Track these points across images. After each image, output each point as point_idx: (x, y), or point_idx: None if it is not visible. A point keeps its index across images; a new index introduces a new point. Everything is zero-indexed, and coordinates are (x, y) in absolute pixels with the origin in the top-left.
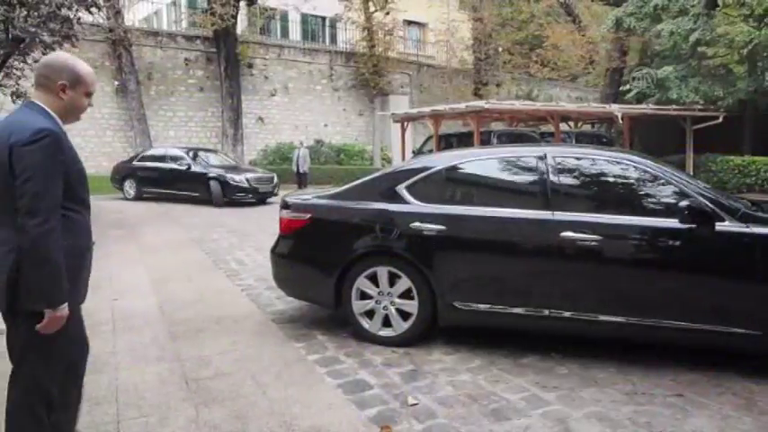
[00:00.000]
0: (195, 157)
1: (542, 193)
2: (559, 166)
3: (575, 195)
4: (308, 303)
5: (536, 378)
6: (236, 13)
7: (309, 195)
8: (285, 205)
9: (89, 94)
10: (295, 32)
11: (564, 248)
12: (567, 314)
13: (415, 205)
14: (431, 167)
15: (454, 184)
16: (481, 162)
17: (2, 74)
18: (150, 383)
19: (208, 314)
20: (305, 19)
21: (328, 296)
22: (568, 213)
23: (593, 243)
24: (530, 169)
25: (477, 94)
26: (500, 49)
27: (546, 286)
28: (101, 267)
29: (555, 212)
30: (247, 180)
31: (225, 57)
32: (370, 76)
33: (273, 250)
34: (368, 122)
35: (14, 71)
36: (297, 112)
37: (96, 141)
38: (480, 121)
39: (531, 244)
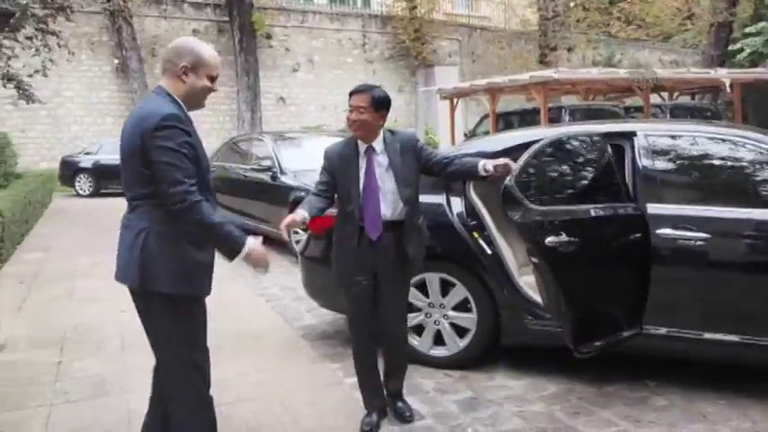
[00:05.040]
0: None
1: (629, 181)
2: (653, 147)
3: (672, 183)
4: (344, 316)
5: (626, 410)
6: None
7: None
8: None
9: (212, 78)
10: None
11: (659, 249)
12: (662, 331)
13: (472, 198)
14: (488, 152)
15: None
16: (552, 144)
17: None
18: None
19: (226, 329)
20: None
21: None
22: (665, 206)
23: (698, 243)
24: (614, 152)
25: (543, 62)
26: (572, 5)
27: (637, 297)
28: (104, 275)
29: (647, 205)
30: None
31: (239, 27)
32: (411, 43)
33: (303, 253)
34: (409, 100)
35: (4, 50)
36: (324, 90)
37: (95, 130)
38: (548, 95)
39: (617, 244)
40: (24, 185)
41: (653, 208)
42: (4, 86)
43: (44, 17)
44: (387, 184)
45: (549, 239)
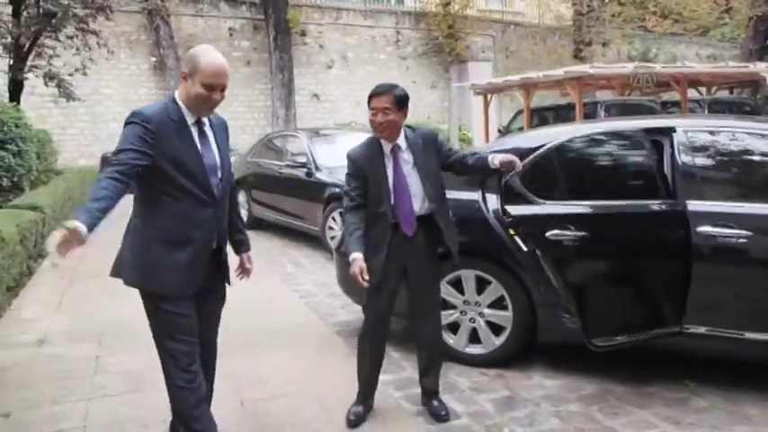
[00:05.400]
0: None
1: (669, 177)
2: (692, 143)
3: (712, 180)
4: None
5: (666, 411)
6: None
7: None
8: None
9: (207, 86)
10: None
11: (699, 247)
12: (702, 330)
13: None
14: (524, 148)
15: (553, 170)
16: (586, 140)
17: (33, 53)
18: None
19: (261, 325)
20: None
21: (403, 305)
22: (705, 203)
23: (739, 240)
24: (651, 147)
25: (577, 57)
26: (607, 0)
27: (675, 295)
28: None
29: (687, 202)
30: None
31: (274, 24)
32: (444, 39)
33: (338, 248)
34: (442, 96)
35: (46, 50)
36: (358, 87)
37: None
38: (583, 90)
39: (654, 242)
40: (64, 182)
41: (693, 205)
42: (46, 85)
43: (85, 17)
44: (414, 180)
45: (552, 233)
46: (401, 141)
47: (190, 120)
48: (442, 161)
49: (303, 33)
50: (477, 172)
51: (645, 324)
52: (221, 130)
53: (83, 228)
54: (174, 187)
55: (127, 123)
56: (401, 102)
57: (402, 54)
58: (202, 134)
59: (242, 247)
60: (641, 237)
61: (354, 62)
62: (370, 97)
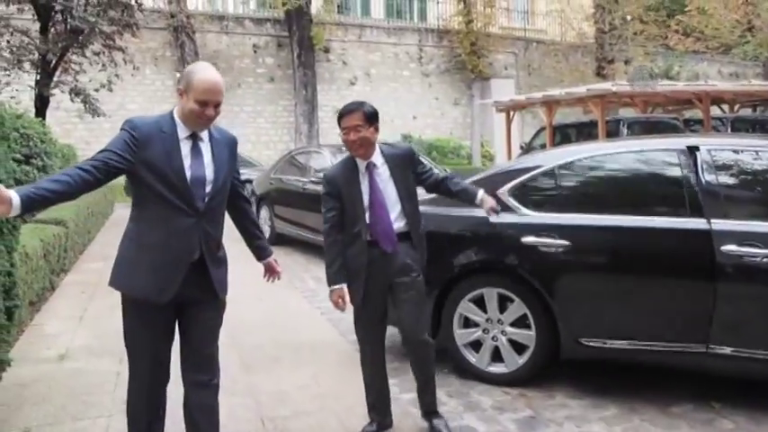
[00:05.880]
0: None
1: (694, 196)
2: (716, 162)
3: (737, 198)
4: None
5: None
6: None
7: None
8: None
9: (200, 102)
10: (378, 9)
11: (725, 266)
12: (728, 350)
13: (526, 214)
14: (540, 166)
15: (575, 188)
16: (608, 158)
17: (60, 69)
18: (222, 420)
19: (283, 341)
20: None
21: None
22: (730, 222)
23: (765, 259)
24: (676, 166)
25: (600, 75)
26: (629, 18)
27: (702, 315)
28: None
29: (712, 220)
30: None
31: (298, 41)
32: (467, 57)
33: None
34: (465, 113)
35: (72, 66)
36: (380, 103)
37: None
38: (605, 108)
39: (681, 261)
40: (87, 196)
41: (717, 223)
42: (72, 101)
43: (111, 34)
44: (391, 196)
45: (527, 239)
46: (376, 158)
47: (183, 134)
48: (416, 177)
49: (327, 50)
50: (456, 198)
51: (656, 336)
52: (224, 145)
53: (15, 197)
54: (153, 194)
55: (120, 130)
56: (371, 117)
57: (425, 71)
58: (195, 148)
59: (263, 252)
60: (666, 253)
61: (377, 79)
62: (340, 117)
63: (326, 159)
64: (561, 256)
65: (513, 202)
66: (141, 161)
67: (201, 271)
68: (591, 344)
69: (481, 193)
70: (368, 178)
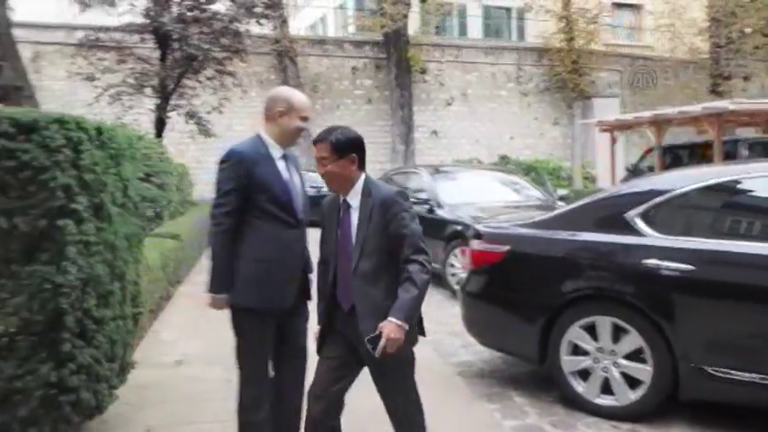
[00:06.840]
0: None
1: None
2: None
3: None
4: (502, 355)
5: None
6: (408, 11)
7: (507, 223)
8: (477, 235)
9: (303, 119)
10: (475, 29)
11: None
12: None
13: (653, 237)
14: (673, 189)
15: (710, 211)
16: (751, 181)
17: (176, 93)
18: None
19: None
20: (487, 12)
21: (531, 348)
22: None
23: None
24: None
25: (715, 92)
26: (748, 30)
27: None
28: None
29: None
30: None
31: (395, 63)
32: (567, 75)
33: (464, 288)
34: (565, 133)
35: (188, 90)
36: (477, 123)
37: None
38: (722, 127)
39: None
40: (200, 211)
41: None
42: (186, 122)
43: (222, 59)
44: (356, 245)
45: (649, 261)
46: (353, 198)
47: (277, 153)
48: (389, 234)
49: (423, 71)
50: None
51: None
52: (295, 161)
53: (225, 297)
54: (262, 212)
55: (223, 161)
56: (340, 149)
57: (523, 90)
58: (287, 165)
59: None
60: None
61: (474, 99)
62: (313, 144)
63: (424, 180)
64: (690, 283)
65: (641, 224)
66: (254, 185)
67: (303, 280)
68: (716, 374)
69: (393, 313)
70: (343, 218)
